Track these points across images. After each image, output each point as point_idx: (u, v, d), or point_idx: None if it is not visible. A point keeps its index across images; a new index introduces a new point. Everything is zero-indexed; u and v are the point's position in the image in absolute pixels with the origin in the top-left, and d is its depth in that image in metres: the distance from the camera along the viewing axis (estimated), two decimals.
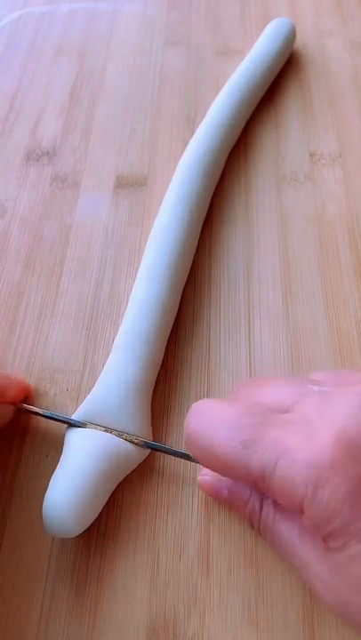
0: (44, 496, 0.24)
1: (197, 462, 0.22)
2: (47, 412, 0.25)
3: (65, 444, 0.24)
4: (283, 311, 0.29)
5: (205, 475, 0.23)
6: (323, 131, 0.37)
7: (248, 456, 0.17)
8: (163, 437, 0.26)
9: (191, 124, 0.37)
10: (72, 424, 0.25)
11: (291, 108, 0.38)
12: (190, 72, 0.41)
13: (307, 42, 0.42)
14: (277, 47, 0.39)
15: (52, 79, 0.41)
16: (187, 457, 0.24)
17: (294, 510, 0.17)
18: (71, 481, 0.22)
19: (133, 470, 0.24)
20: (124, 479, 0.24)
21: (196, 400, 0.27)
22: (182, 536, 0.23)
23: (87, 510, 0.22)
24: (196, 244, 0.31)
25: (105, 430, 0.24)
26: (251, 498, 0.20)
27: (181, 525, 0.24)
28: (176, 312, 0.28)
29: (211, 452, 0.18)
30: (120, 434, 0.24)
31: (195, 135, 0.34)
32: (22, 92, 0.41)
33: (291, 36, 0.40)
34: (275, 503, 0.19)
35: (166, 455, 0.25)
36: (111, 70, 0.41)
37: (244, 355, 0.28)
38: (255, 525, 0.20)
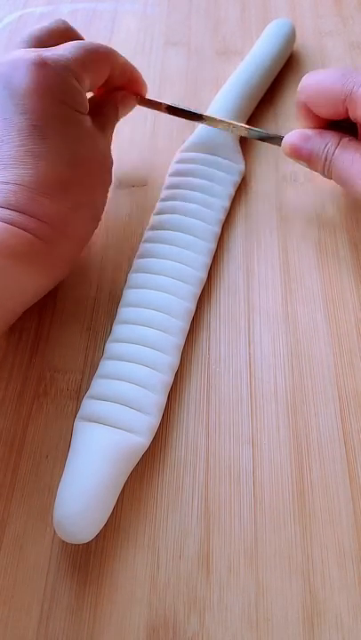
0: (44, 496, 0.24)
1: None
2: (167, 103, 0.32)
3: (72, 440, 0.24)
4: (283, 311, 0.29)
5: (291, 136, 0.30)
6: None
7: (345, 78, 0.27)
8: (163, 427, 0.26)
9: (191, 125, 0.37)
10: (195, 115, 0.32)
11: (291, 108, 0.38)
12: (190, 72, 0.41)
13: (307, 42, 0.42)
14: (277, 47, 0.39)
15: None
16: (279, 138, 0.30)
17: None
18: (82, 489, 0.22)
19: (134, 470, 0.24)
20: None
21: (196, 400, 0.27)
22: (182, 536, 0.24)
23: (100, 516, 0.22)
24: None
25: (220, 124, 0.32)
26: (330, 140, 0.28)
27: (181, 525, 0.24)
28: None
29: (317, 83, 0.28)
30: (230, 124, 0.32)
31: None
32: None
33: (291, 37, 0.40)
34: (349, 139, 0.28)
35: (167, 452, 0.25)
36: None
37: (244, 355, 0.28)
38: (328, 160, 0.28)
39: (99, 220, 0.28)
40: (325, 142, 0.28)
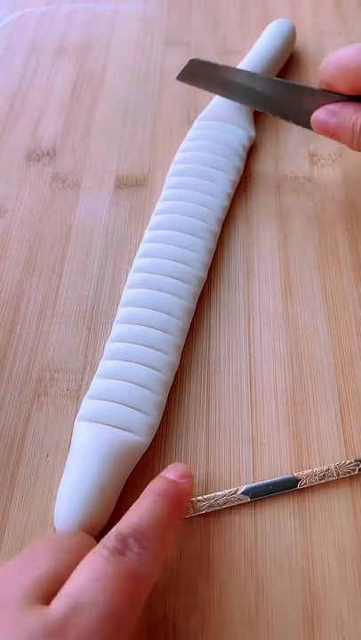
0: (44, 496, 0.24)
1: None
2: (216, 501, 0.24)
3: (72, 440, 0.25)
4: (283, 311, 0.29)
5: (317, 113, 0.30)
6: None
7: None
8: (163, 427, 0.26)
9: (191, 124, 0.37)
10: None
11: None
12: None
13: (307, 42, 0.42)
14: (277, 47, 0.39)
15: (53, 79, 0.41)
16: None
17: None
18: (82, 489, 0.22)
19: (134, 470, 0.24)
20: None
21: (196, 400, 0.27)
22: (182, 536, 0.23)
23: (100, 516, 0.23)
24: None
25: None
26: (354, 115, 0.28)
27: (182, 525, 0.24)
28: None
29: (338, 61, 0.28)
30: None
31: None
32: (22, 92, 0.41)
33: (291, 37, 0.40)
34: None
35: (167, 452, 0.25)
36: (111, 70, 0.41)
37: (244, 355, 0.28)
38: (355, 135, 0.28)
39: None
40: (350, 115, 0.28)
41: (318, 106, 0.30)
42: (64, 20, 0.45)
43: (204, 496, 0.24)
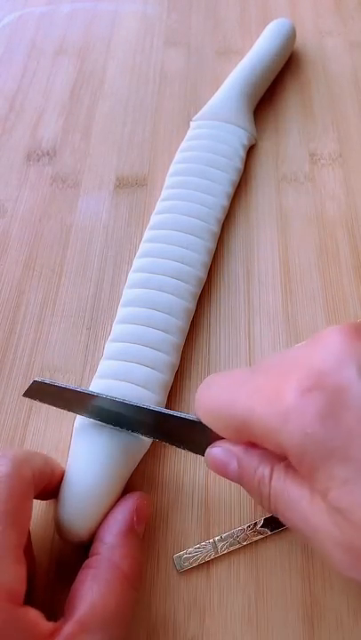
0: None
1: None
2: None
3: (73, 440, 0.25)
4: (283, 311, 0.29)
5: (214, 448, 0.21)
6: (323, 131, 0.37)
7: (232, 406, 0.19)
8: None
9: (191, 124, 0.37)
10: None
11: (291, 108, 0.38)
12: (190, 72, 0.41)
13: (307, 42, 0.42)
14: (277, 47, 0.39)
15: (53, 79, 0.41)
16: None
17: (276, 450, 0.18)
18: (83, 489, 0.22)
19: (135, 470, 0.24)
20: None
21: (194, 401, 0.27)
22: (182, 536, 0.23)
23: (100, 516, 0.22)
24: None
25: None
26: (260, 465, 0.19)
27: (181, 525, 0.24)
28: None
29: (210, 410, 0.20)
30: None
31: None
32: (22, 92, 0.41)
33: (291, 37, 0.40)
34: (286, 465, 0.18)
35: (167, 452, 0.25)
36: (111, 70, 0.41)
37: (244, 355, 0.28)
38: (265, 495, 0.19)
39: None
40: (255, 466, 0.19)
41: (213, 437, 0.21)
42: (64, 20, 0.45)
43: (223, 535, 0.23)
